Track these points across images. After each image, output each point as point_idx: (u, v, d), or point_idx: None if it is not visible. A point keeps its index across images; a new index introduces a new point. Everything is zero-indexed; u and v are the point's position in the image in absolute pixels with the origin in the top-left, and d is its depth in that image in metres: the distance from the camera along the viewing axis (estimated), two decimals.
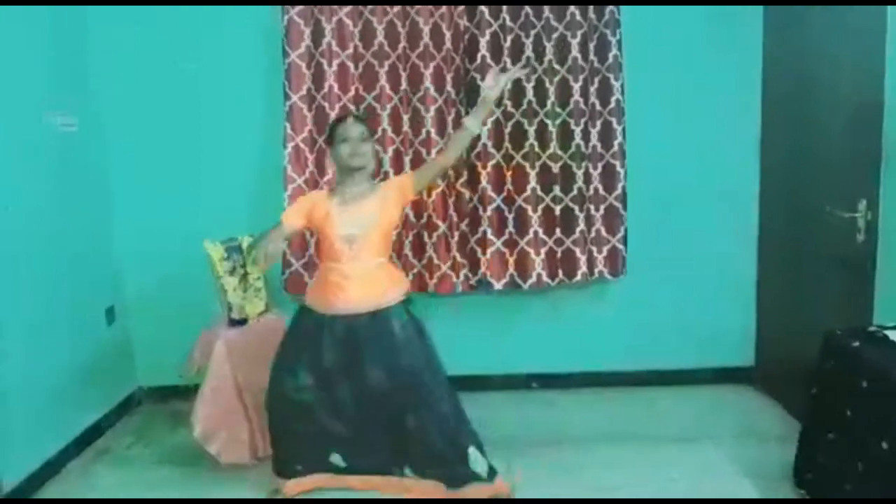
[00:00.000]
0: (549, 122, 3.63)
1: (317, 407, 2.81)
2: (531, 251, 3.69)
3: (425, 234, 3.72)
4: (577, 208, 3.69)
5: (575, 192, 3.68)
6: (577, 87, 3.61)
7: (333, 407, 2.82)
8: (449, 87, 3.63)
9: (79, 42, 3.62)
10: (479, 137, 3.57)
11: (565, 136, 3.65)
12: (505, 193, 3.70)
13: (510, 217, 3.72)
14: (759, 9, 3.67)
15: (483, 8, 3.53)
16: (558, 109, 3.64)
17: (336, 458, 2.89)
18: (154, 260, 3.83)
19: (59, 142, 3.39)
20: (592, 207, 3.73)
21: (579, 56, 3.60)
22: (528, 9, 3.57)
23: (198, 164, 3.82)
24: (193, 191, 3.82)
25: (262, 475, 3.01)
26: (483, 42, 3.54)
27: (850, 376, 2.44)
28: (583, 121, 3.63)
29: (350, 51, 3.62)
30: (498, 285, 3.72)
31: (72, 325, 3.44)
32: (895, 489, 2.18)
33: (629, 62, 3.63)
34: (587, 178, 3.69)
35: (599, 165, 3.71)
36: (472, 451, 2.83)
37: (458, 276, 3.75)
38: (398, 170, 3.61)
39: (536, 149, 3.65)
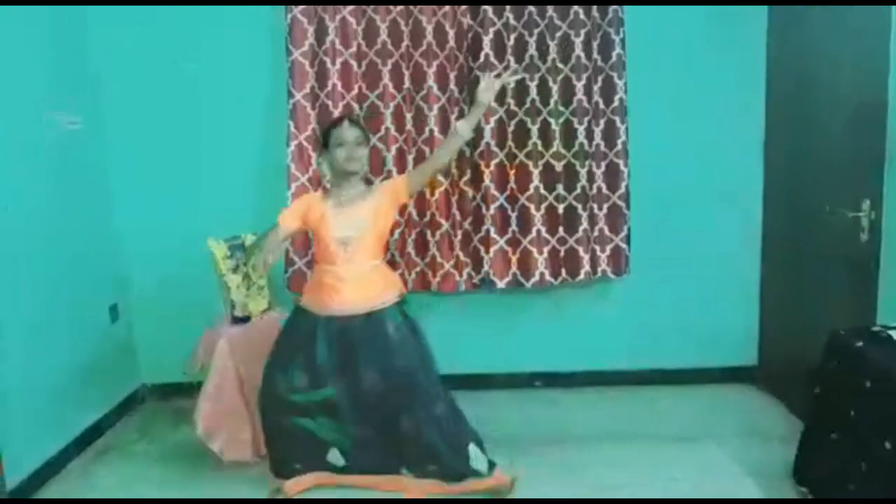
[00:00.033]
0: (552, 120, 3.63)
1: (311, 407, 2.82)
2: (534, 250, 3.69)
3: (428, 233, 3.72)
4: (580, 207, 3.68)
5: (578, 190, 3.67)
6: (580, 85, 3.61)
7: (329, 407, 2.82)
8: (452, 86, 3.63)
9: (82, 41, 3.63)
10: (481, 136, 3.59)
11: (568, 134, 3.65)
12: (508, 192, 3.70)
13: (513, 216, 3.71)
14: (763, 8, 3.66)
15: (486, 7, 3.53)
16: (562, 108, 3.63)
17: (333, 458, 2.89)
18: (157, 257, 3.84)
19: (61, 141, 3.39)
20: (595, 206, 3.72)
21: (583, 55, 3.59)
22: (531, 7, 3.57)
23: (201, 163, 3.82)
24: (197, 189, 3.83)
25: (264, 473, 3.00)
26: (486, 41, 3.54)
27: (853, 376, 2.43)
28: (586, 119, 3.63)
29: (353, 49, 3.62)
30: (501, 284, 3.72)
31: (75, 323, 3.45)
32: None
33: (632, 61, 3.63)
34: (590, 177, 3.68)
35: (603, 164, 3.70)
36: (472, 448, 2.85)
37: (461, 275, 3.75)
38: (401, 168, 3.61)
39: (540, 147, 3.65)
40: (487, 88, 2.83)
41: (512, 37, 3.58)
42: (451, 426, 2.87)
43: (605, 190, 3.72)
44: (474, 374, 3.94)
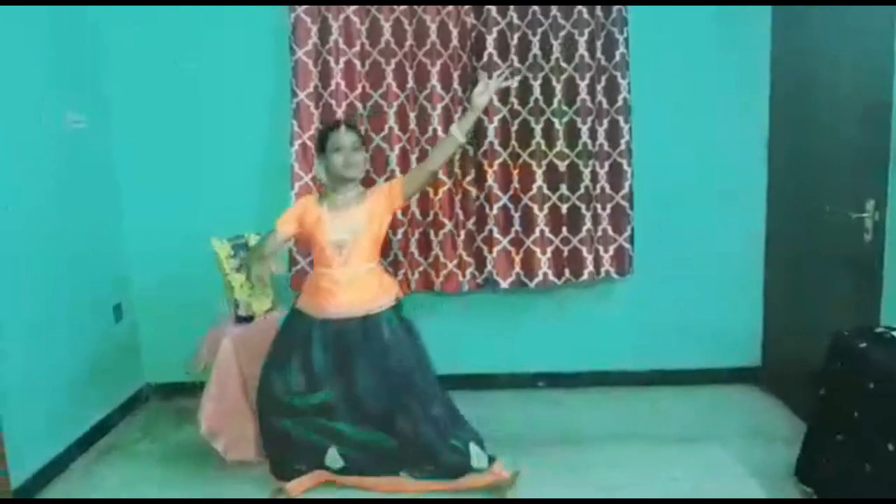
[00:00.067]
0: (555, 120, 3.62)
1: (309, 410, 2.83)
2: (537, 250, 3.69)
3: (431, 233, 3.72)
4: (583, 207, 3.68)
5: (582, 190, 3.67)
6: (583, 85, 3.60)
7: (326, 410, 2.83)
8: (455, 85, 3.63)
9: (86, 41, 3.63)
10: (485, 136, 3.59)
11: (572, 134, 3.64)
12: (511, 192, 3.70)
13: (516, 216, 3.71)
14: (767, 8, 3.65)
15: (490, 6, 3.52)
16: (565, 108, 3.63)
17: (331, 460, 2.89)
18: (161, 257, 3.84)
19: (66, 141, 3.39)
20: (599, 206, 3.72)
21: (586, 54, 3.59)
22: (535, 7, 3.56)
23: (205, 162, 3.83)
24: (200, 188, 3.83)
25: (267, 473, 3.00)
26: (490, 40, 3.54)
27: (857, 377, 2.43)
28: (590, 119, 3.63)
29: (357, 48, 3.62)
30: (504, 284, 3.72)
31: (79, 322, 3.46)
32: None
33: (636, 61, 3.62)
34: (594, 177, 3.68)
35: (606, 164, 3.70)
36: (472, 447, 2.86)
37: (464, 275, 3.75)
38: (404, 168, 3.61)
39: (543, 147, 3.65)
40: (482, 92, 2.84)
41: (515, 36, 3.58)
42: (449, 426, 2.88)
43: (608, 190, 3.72)
44: (477, 374, 3.94)
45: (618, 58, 3.60)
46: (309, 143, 3.61)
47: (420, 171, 2.94)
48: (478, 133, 3.62)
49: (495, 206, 3.67)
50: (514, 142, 3.66)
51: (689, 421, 3.52)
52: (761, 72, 3.71)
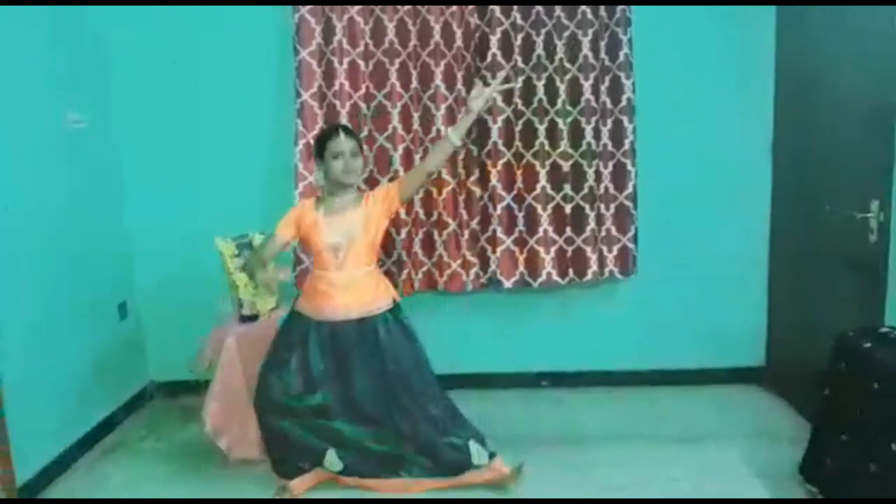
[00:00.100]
0: (559, 120, 3.62)
1: (307, 412, 2.84)
2: (541, 250, 3.69)
3: (435, 232, 3.73)
4: (587, 207, 3.68)
5: (585, 190, 3.67)
6: (587, 85, 3.60)
7: (324, 412, 2.84)
8: (459, 86, 3.63)
9: (90, 40, 3.64)
10: (489, 136, 3.60)
11: (576, 134, 3.64)
12: (515, 192, 3.70)
13: (520, 215, 3.72)
14: (772, 8, 3.64)
15: (494, 6, 3.53)
16: (569, 108, 3.63)
17: (330, 462, 2.90)
18: (165, 256, 3.86)
19: (70, 141, 3.40)
20: (603, 206, 3.72)
21: (590, 54, 3.59)
22: (538, 7, 3.57)
23: (209, 162, 3.84)
24: (205, 188, 3.85)
25: (271, 471, 3.01)
26: (494, 40, 3.54)
27: (862, 377, 2.43)
28: (594, 119, 3.63)
29: (361, 49, 3.63)
30: (508, 283, 3.73)
31: (85, 321, 3.47)
32: None
33: (640, 61, 3.62)
34: (598, 177, 3.68)
35: (610, 164, 3.70)
36: (472, 445, 2.88)
37: (468, 274, 3.76)
38: (408, 167, 3.61)
39: (547, 147, 3.65)
40: (478, 96, 2.86)
41: (519, 36, 3.58)
42: (448, 425, 2.90)
43: (612, 190, 3.72)
44: (481, 373, 3.95)
45: (621, 58, 3.60)
46: (313, 143, 3.60)
47: (416, 174, 2.95)
48: (481, 133, 3.63)
49: (499, 206, 3.67)
50: (517, 142, 3.66)
51: (693, 421, 3.51)
52: (765, 72, 3.70)
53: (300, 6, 3.54)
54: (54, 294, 3.22)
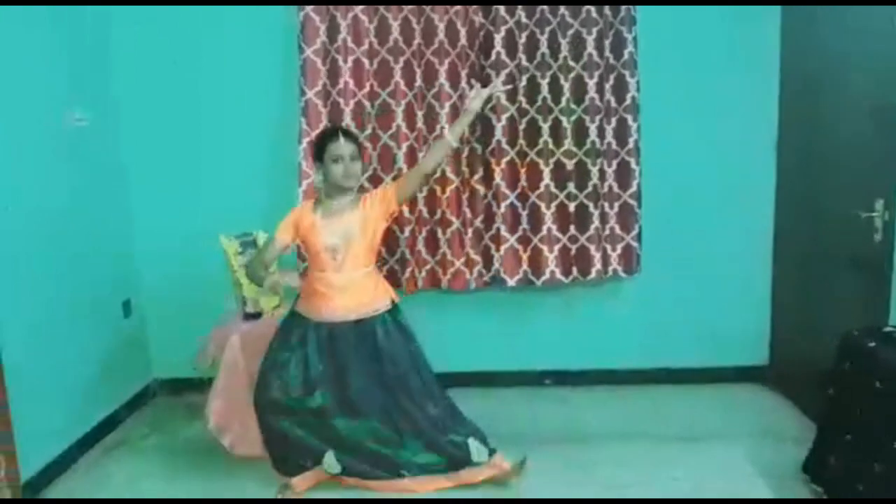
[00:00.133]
0: (563, 118, 3.62)
1: (306, 413, 2.85)
2: (545, 248, 3.69)
3: (439, 231, 3.73)
4: (591, 205, 3.68)
5: (589, 189, 3.67)
6: (592, 83, 3.60)
7: (323, 413, 2.85)
8: (464, 84, 3.63)
9: (94, 39, 3.64)
10: (493, 134, 3.59)
11: (580, 132, 3.64)
12: (519, 190, 3.70)
13: (524, 214, 3.71)
14: (777, 8, 3.64)
15: (498, 5, 3.52)
16: (573, 106, 3.63)
17: (329, 464, 2.90)
18: (170, 254, 3.86)
19: (75, 140, 3.41)
20: (607, 205, 3.72)
21: (595, 53, 3.58)
22: (543, 6, 3.56)
23: (214, 160, 3.84)
24: (209, 186, 3.85)
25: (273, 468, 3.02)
26: (498, 39, 3.54)
27: (866, 377, 2.43)
28: (598, 118, 3.62)
29: (365, 47, 3.63)
30: (511, 282, 3.73)
31: (89, 319, 3.48)
32: None
33: (645, 59, 3.62)
34: (602, 176, 3.67)
35: (614, 163, 3.70)
36: (472, 442, 2.88)
37: (471, 273, 3.76)
38: (412, 166, 3.59)
39: (551, 146, 3.65)
40: (475, 97, 2.90)
41: (524, 35, 3.58)
42: (448, 423, 2.92)
43: (616, 188, 3.72)
44: (484, 371, 3.95)
45: (626, 56, 3.59)
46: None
47: (414, 176, 2.96)
48: (486, 131, 3.63)
49: (503, 205, 3.67)
50: (521, 140, 3.66)
51: (696, 420, 3.51)
52: (771, 71, 3.69)
53: (305, 5, 3.54)
54: (57, 293, 3.23)
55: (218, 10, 3.71)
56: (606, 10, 3.57)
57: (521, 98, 3.62)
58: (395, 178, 3.54)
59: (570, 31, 3.58)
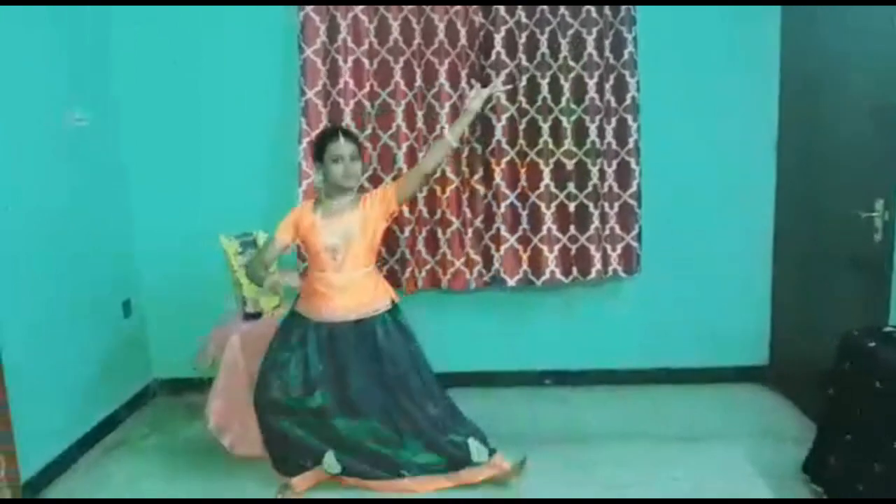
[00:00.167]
0: (563, 118, 3.62)
1: (306, 413, 2.85)
2: (545, 248, 3.69)
3: (439, 231, 3.73)
4: (591, 205, 3.68)
5: (589, 189, 3.67)
6: (592, 83, 3.60)
7: (323, 414, 2.85)
8: (464, 84, 3.63)
9: (94, 39, 3.64)
10: (493, 134, 3.59)
11: (580, 132, 3.64)
12: (519, 190, 3.70)
13: (524, 214, 3.71)
14: (777, 8, 3.64)
15: (498, 5, 3.52)
16: (573, 106, 3.62)
17: (329, 464, 2.90)
18: (170, 254, 3.86)
19: (75, 140, 3.40)
20: (607, 205, 3.72)
21: (595, 53, 3.58)
22: (543, 6, 3.56)
23: (214, 160, 3.84)
24: (209, 186, 3.85)
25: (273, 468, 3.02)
26: (498, 39, 3.54)
27: (866, 377, 2.43)
28: (598, 118, 3.62)
29: (365, 47, 3.63)
30: (511, 282, 3.73)
31: (89, 319, 3.48)
32: None
33: (645, 59, 3.62)
34: (602, 176, 3.67)
35: (614, 163, 3.70)
36: (471, 442, 2.89)
37: (471, 273, 3.76)
38: (412, 166, 3.59)
39: (551, 146, 3.65)
40: (475, 97, 2.91)
41: (524, 35, 3.58)
42: (448, 423, 2.92)
43: (616, 188, 3.72)
44: (484, 371, 3.95)
45: (626, 56, 3.59)
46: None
47: (413, 176, 2.96)
48: (486, 131, 3.63)
49: (503, 205, 3.67)
50: (521, 140, 3.66)
51: (696, 420, 3.51)
52: (771, 71, 3.69)
53: (305, 5, 3.54)
54: (57, 293, 3.23)
55: (218, 10, 3.71)
56: (606, 10, 3.57)
57: (521, 98, 3.62)
58: (395, 178, 3.54)
59: (570, 31, 3.58)
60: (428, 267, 3.78)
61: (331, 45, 3.59)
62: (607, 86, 3.64)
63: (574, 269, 3.74)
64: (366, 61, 3.64)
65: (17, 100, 2.99)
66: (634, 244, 3.73)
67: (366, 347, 2.86)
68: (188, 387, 3.81)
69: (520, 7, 3.55)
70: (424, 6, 3.59)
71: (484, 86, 3.07)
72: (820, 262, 3.35)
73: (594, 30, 3.56)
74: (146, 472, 3.19)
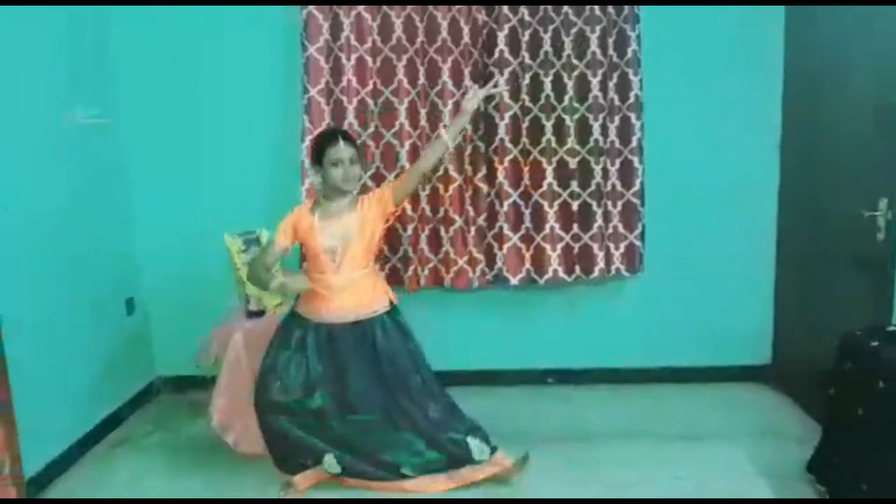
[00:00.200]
0: (566, 117, 3.61)
1: (306, 414, 2.86)
2: (548, 247, 3.69)
3: (442, 229, 3.73)
4: (594, 204, 3.67)
5: (592, 187, 3.66)
6: (595, 82, 3.59)
7: (323, 415, 2.86)
8: (467, 82, 3.62)
9: (94, 39, 3.64)
10: (496, 132, 3.59)
11: (583, 131, 3.63)
12: (522, 189, 3.70)
13: (527, 212, 3.71)
14: (781, 8, 3.63)
15: (502, 4, 3.52)
16: (576, 104, 3.62)
17: (329, 465, 2.90)
18: (173, 252, 3.86)
19: (74, 139, 3.40)
20: (610, 203, 3.72)
21: (598, 51, 3.58)
22: (546, 4, 3.55)
23: (216, 158, 3.84)
24: (212, 184, 3.85)
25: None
26: (501, 37, 3.54)
27: (868, 376, 2.42)
28: (601, 116, 3.62)
29: (368, 45, 3.63)
30: (514, 280, 3.73)
31: (92, 316, 3.49)
32: None
33: (648, 58, 3.61)
34: (605, 174, 3.67)
35: (617, 161, 3.69)
36: (471, 440, 2.89)
37: (474, 271, 3.76)
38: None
39: (554, 144, 3.64)
40: (472, 97, 2.94)
41: (527, 33, 3.57)
42: (448, 422, 2.92)
43: (619, 187, 3.71)
44: (487, 370, 3.95)
45: (630, 55, 3.59)
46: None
47: (410, 175, 2.97)
48: (489, 130, 3.63)
49: (506, 203, 3.67)
50: (524, 138, 3.66)
51: (699, 419, 3.51)
52: (774, 71, 3.68)
53: (308, 4, 3.54)
54: (60, 292, 3.23)
55: (218, 9, 3.71)
56: (610, 8, 3.57)
57: (525, 96, 3.62)
58: (397, 176, 3.54)
59: (574, 30, 3.58)
60: (431, 265, 3.78)
61: (334, 44, 3.59)
62: (611, 84, 3.63)
63: (577, 268, 3.74)
64: (369, 59, 3.64)
65: (17, 99, 2.99)
66: (637, 243, 3.73)
67: (365, 348, 2.87)
68: (191, 384, 3.82)
69: (523, 5, 3.54)
70: (427, 4, 3.58)
71: (486, 84, 3.07)
72: (822, 262, 3.34)
73: (597, 28, 3.56)
74: (149, 469, 3.20)
